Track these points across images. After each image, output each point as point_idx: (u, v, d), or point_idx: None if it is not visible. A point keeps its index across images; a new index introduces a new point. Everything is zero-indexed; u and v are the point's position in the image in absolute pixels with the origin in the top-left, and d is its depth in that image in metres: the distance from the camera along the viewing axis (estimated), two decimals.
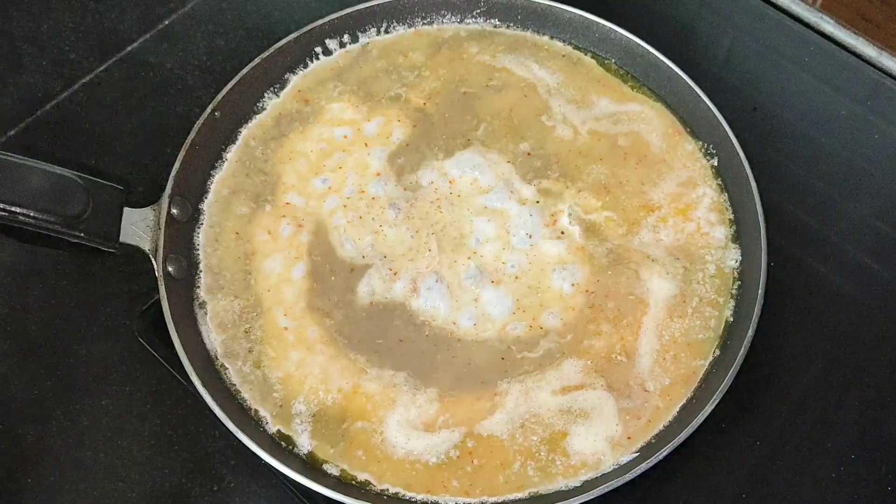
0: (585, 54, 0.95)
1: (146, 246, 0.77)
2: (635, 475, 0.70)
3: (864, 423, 0.81)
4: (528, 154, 0.88)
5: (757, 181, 0.82)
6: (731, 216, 0.85)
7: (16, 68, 1.01)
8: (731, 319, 0.80)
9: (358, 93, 0.91)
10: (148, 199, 0.80)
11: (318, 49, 0.93)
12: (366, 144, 0.88)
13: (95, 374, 0.83)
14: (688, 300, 0.80)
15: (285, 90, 0.91)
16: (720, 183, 0.87)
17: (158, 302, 0.76)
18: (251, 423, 0.75)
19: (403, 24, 0.95)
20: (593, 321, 0.79)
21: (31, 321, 0.85)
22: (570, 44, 0.95)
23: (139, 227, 0.78)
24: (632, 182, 0.86)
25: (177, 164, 0.82)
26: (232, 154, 0.87)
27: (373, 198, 0.85)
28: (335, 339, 0.78)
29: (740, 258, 0.82)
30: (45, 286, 0.87)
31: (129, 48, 1.02)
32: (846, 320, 0.86)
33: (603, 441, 0.74)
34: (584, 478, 0.73)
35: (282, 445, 0.74)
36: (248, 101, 0.89)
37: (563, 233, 0.83)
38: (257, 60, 0.88)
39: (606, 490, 0.70)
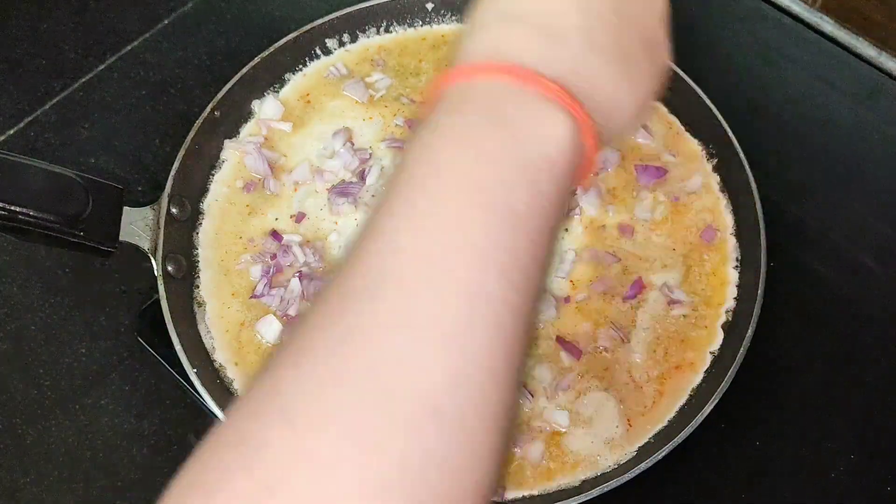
0: None
1: (146, 245, 0.77)
2: (634, 475, 0.70)
3: (864, 423, 0.81)
4: None
5: (757, 181, 0.82)
6: (731, 216, 0.85)
7: (16, 68, 1.01)
8: (731, 319, 0.80)
9: (357, 92, 0.91)
10: (147, 198, 0.80)
11: (318, 49, 0.93)
12: (366, 144, 0.88)
13: (95, 373, 0.83)
14: (685, 300, 0.80)
15: (285, 89, 0.91)
16: (720, 183, 0.87)
17: (158, 301, 0.76)
18: None
19: (403, 23, 0.95)
20: (591, 320, 0.79)
21: (31, 321, 0.85)
22: None
23: (139, 227, 0.77)
24: (631, 182, 0.86)
25: (176, 164, 0.82)
26: (231, 153, 0.87)
27: (373, 196, 0.85)
28: None
29: (740, 258, 0.82)
30: (45, 286, 0.87)
31: (128, 47, 1.02)
32: (846, 320, 0.86)
33: (601, 441, 0.74)
34: (582, 477, 0.73)
35: None
36: (247, 100, 0.89)
37: (566, 230, 0.83)
38: (257, 60, 0.88)
39: (605, 490, 0.70)
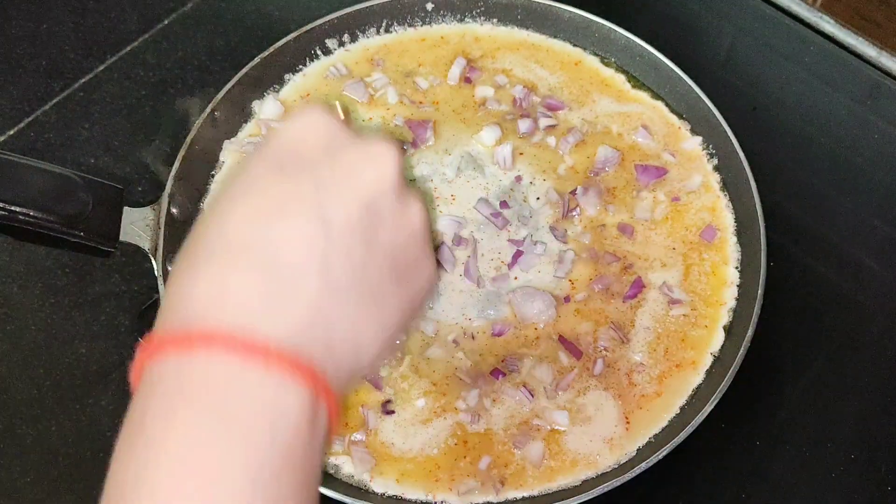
0: (586, 53, 0.94)
1: (146, 245, 0.77)
2: (635, 475, 0.70)
3: (864, 423, 0.81)
4: (528, 154, 0.88)
5: (757, 181, 0.82)
6: (731, 216, 0.85)
7: (16, 68, 1.01)
8: (731, 319, 0.80)
9: (357, 92, 0.91)
10: (148, 198, 0.81)
11: (318, 49, 0.93)
12: None
13: (95, 373, 0.83)
14: (685, 300, 0.80)
15: (285, 89, 0.91)
16: (720, 183, 0.87)
17: (158, 302, 0.76)
18: None
19: (403, 23, 0.95)
20: (591, 320, 0.79)
21: (31, 321, 0.85)
22: (570, 43, 0.95)
23: (139, 227, 0.78)
24: (632, 181, 0.86)
25: (176, 164, 0.82)
26: (231, 154, 0.87)
27: None
28: None
29: (740, 258, 0.83)
30: (45, 286, 0.87)
31: (128, 48, 1.02)
32: (846, 320, 0.86)
33: (600, 440, 0.74)
34: (582, 477, 0.73)
35: None
36: (247, 100, 0.89)
37: (565, 231, 0.83)
38: (257, 60, 0.88)
39: (606, 490, 0.70)
